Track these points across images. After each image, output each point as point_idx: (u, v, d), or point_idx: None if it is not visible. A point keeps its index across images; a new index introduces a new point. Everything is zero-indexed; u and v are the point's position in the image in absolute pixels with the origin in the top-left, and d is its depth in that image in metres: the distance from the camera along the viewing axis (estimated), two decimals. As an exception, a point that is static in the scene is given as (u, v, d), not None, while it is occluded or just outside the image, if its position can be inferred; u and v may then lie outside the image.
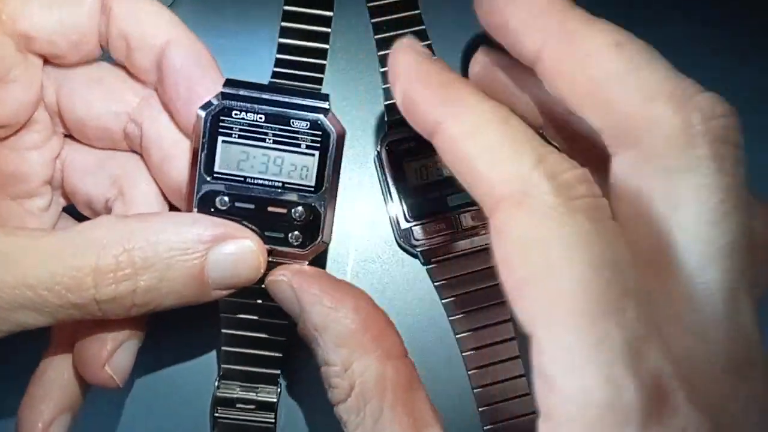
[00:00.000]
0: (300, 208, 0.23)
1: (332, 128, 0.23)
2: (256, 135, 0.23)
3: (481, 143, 0.17)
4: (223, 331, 0.26)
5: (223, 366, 0.27)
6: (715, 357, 0.16)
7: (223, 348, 0.27)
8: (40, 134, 0.24)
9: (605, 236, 0.16)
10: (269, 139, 0.23)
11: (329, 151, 0.23)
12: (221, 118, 0.23)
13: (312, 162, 0.23)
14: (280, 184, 0.23)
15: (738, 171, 0.17)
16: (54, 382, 0.24)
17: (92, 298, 0.20)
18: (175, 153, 0.24)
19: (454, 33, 0.33)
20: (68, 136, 0.26)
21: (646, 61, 0.18)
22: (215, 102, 0.23)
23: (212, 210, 0.23)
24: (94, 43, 0.24)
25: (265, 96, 0.23)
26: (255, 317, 0.26)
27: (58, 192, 0.26)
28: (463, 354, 0.30)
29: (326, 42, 0.30)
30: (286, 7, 0.30)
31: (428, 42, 0.32)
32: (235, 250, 0.22)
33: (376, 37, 0.32)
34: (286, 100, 0.23)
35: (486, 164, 0.17)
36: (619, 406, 0.15)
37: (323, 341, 0.22)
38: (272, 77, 0.30)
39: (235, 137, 0.23)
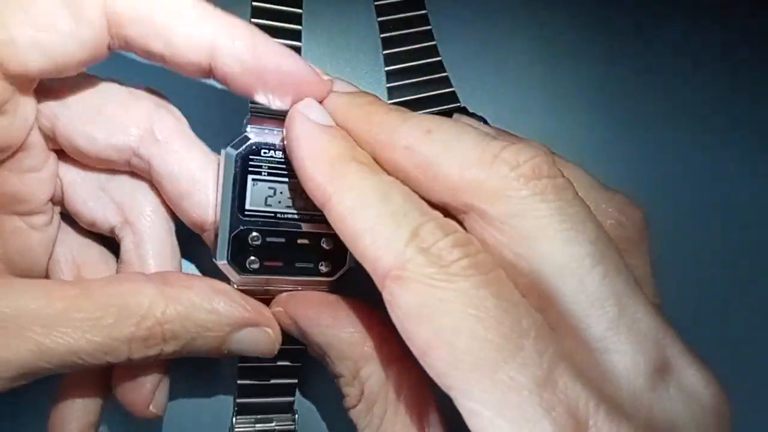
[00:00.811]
0: (327, 238, 0.24)
1: None
2: (283, 171, 0.23)
3: (362, 222, 0.19)
4: (239, 364, 0.27)
5: (238, 401, 0.28)
6: (630, 369, 0.17)
7: (238, 381, 0.27)
8: (38, 157, 0.23)
9: (486, 287, 0.17)
10: (295, 174, 0.23)
11: None
12: (251, 157, 0.23)
13: None
14: (308, 217, 0.24)
15: (563, 194, 0.19)
16: (75, 405, 0.25)
17: (126, 358, 0.22)
18: (194, 190, 0.24)
19: (460, 33, 0.33)
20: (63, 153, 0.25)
21: (455, 137, 0.20)
22: (245, 141, 0.23)
23: (248, 248, 0.24)
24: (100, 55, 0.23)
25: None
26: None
27: (59, 207, 0.26)
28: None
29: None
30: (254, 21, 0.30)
31: (433, 42, 0.32)
32: (256, 334, 0.24)
33: (382, 35, 0.32)
34: None
35: (367, 242, 0.19)
36: None
37: (330, 357, 0.23)
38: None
39: (264, 175, 0.23)
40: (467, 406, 0.16)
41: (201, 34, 0.21)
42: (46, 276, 0.26)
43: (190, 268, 0.30)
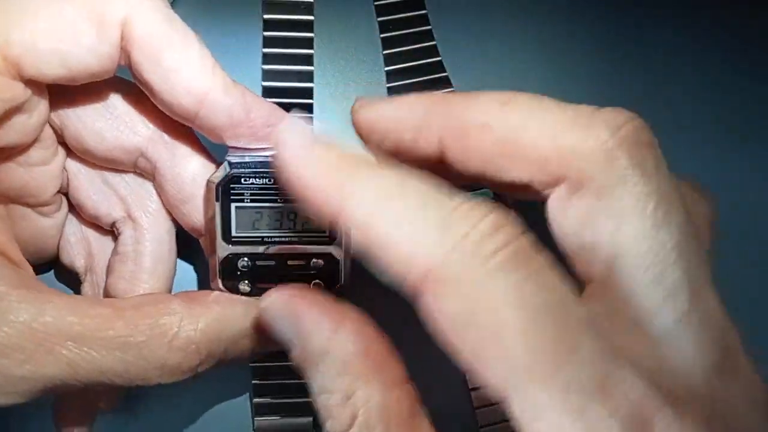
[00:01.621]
0: (318, 259, 0.24)
1: None
2: (267, 196, 0.23)
3: (387, 223, 0.17)
4: (254, 381, 0.28)
5: (256, 419, 0.28)
6: (692, 360, 0.16)
7: (255, 400, 0.28)
8: (47, 151, 0.24)
9: (533, 281, 0.16)
10: (280, 198, 0.23)
11: None
12: (232, 185, 0.23)
13: None
14: (297, 238, 0.24)
15: (660, 169, 0.18)
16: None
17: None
18: (197, 193, 0.24)
19: (460, 33, 0.33)
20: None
21: (536, 105, 0.19)
22: (224, 171, 0.23)
23: (237, 273, 0.24)
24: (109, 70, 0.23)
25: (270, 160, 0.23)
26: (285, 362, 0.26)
27: (66, 196, 0.27)
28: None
29: (311, 64, 0.30)
30: (267, 33, 0.30)
31: (433, 42, 0.32)
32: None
33: (381, 36, 0.32)
34: None
35: (397, 245, 0.16)
36: None
37: (324, 367, 0.20)
38: None
39: (247, 201, 0.23)
40: (526, 413, 0.15)
41: (199, 84, 0.22)
42: (57, 255, 0.27)
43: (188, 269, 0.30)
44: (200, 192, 0.24)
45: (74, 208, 0.27)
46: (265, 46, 0.30)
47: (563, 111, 0.18)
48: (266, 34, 0.30)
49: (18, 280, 0.21)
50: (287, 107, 0.25)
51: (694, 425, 0.15)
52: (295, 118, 0.20)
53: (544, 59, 0.34)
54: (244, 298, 0.24)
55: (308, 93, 0.30)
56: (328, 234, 0.24)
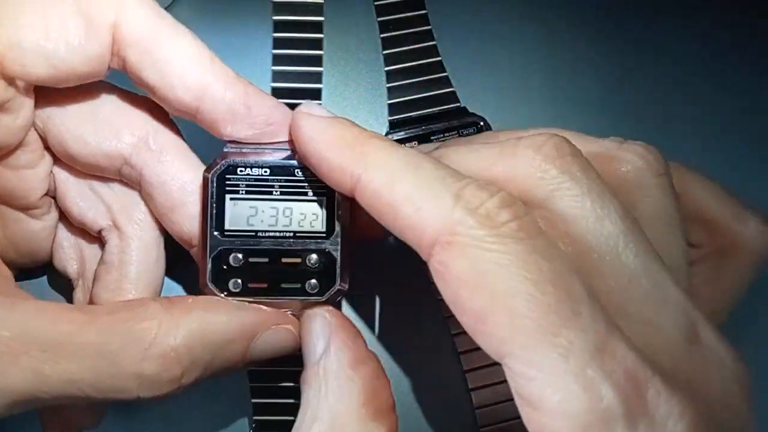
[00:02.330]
0: (314, 255, 0.23)
1: None
2: (262, 189, 0.23)
3: (401, 192, 0.18)
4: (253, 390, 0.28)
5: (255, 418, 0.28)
6: (665, 337, 0.18)
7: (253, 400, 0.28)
8: (33, 154, 0.23)
9: (539, 252, 0.17)
10: (276, 191, 0.23)
11: (336, 195, 0.23)
12: (227, 176, 0.23)
13: (320, 208, 0.23)
14: (291, 234, 0.23)
15: (587, 172, 0.19)
16: None
17: (136, 396, 0.20)
18: (186, 202, 0.24)
19: (460, 33, 0.33)
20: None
21: (462, 148, 0.21)
22: (220, 161, 0.23)
23: (228, 270, 0.23)
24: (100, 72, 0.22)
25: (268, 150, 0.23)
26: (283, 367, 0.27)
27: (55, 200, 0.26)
28: (460, 354, 0.30)
29: (320, 65, 0.31)
30: (276, 35, 0.31)
31: (433, 42, 0.32)
32: (278, 334, 0.23)
33: (381, 35, 0.32)
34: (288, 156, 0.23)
35: (409, 212, 0.18)
36: (601, 409, 0.15)
37: (326, 390, 0.21)
38: None
39: (242, 194, 0.23)
40: (525, 373, 0.16)
41: (196, 76, 0.21)
42: (51, 258, 0.27)
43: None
44: (190, 199, 0.24)
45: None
46: (275, 48, 0.30)
47: (491, 148, 0.20)
48: (276, 35, 0.31)
49: None
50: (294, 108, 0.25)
51: (680, 393, 0.16)
52: (308, 102, 0.22)
53: (544, 58, 0.34)
54: (227, 300, 0.23)
55: (317, 94, 0.30)
56: (325, 230, 0.23)
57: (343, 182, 0.20)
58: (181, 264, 0.27)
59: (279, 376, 0.28)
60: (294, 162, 0.23)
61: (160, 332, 0.20)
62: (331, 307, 0.23)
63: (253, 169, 0.23)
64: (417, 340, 0.31)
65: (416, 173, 0.18)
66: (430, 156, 0.20)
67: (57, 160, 0.25)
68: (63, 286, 0.28)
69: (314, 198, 0.23)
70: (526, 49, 0.34)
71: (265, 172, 0.23)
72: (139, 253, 0.25)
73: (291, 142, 0.23)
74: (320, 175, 0.21)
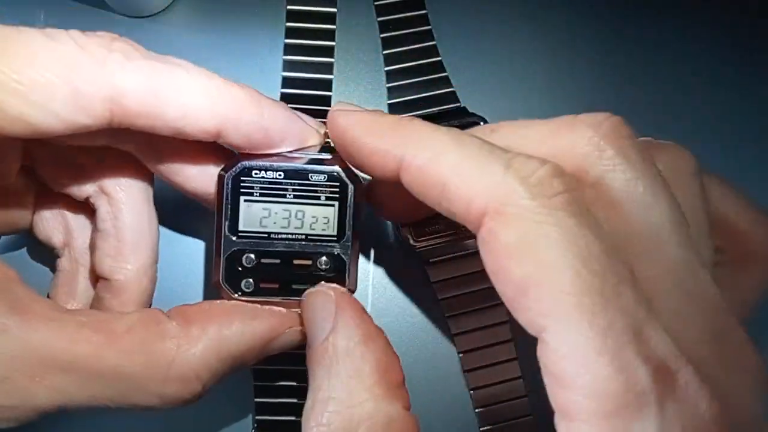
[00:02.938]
0: (324, 258, 0.24)
1: (349, 179, 0.24)
2: (276, 192, 0.23)
3: (447, 165, 0.18)
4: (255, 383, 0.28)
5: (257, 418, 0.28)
6: (695, 331, 0.18)
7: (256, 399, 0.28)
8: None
9: (588, 228, 0.17)
10: (289, 195, 0.23)
11: (348, 200, 0.24)
12: (242, 178, 0.23)
13: (332, 212, 0.24)
14: (303, 237, 0.24)
15: (643, 157, 0.19)
16: None
17: (160, 409, 0.21)
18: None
19: (460, 33, 0.33)
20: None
21: (522, 124, 0.21)
22: (236, 163, 0.23)
23: (241, 269, 0.23)
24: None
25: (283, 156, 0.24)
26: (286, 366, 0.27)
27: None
28: (460, 354, 0.30)
29: (330, 72, 0.31)
30: (288, 41, 0.31)
31: (433, 42, 0.32)
32: (288, 336, 0.23)
33: (381, 35, 0.32)
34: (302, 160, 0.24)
35: (458, 184, 0.18)
36: (635, 391, 0.15)
37: (337, 369, 0.20)
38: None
39: (256, 196, 0.23)
40: (559, 349, 0.16)
41: (210, 121, 0.21)
42: (31, 227, 0.27)
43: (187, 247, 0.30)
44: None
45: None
46: (285, 54, 0.31)
47: (547, 123, 0.20)
48: (288, 41, 0.31)
49: (3, 300, 0.20)
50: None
51: (707, 385, 0.16)
52: (344, 102, 0.22)
53: (543, 58, 0.34)
54: (241, 306, 0.23)
55: (326, 100, 0.31)
56: (336, 234, 0.24)
57: (385, 166, 0.20)
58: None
59: (282, 374, 0.28)
60: (308, 166, 0.23)
61: (178, 354, 0.21)
62: (333, 284, 0.23)
63: (268, 172, 0.23)
64: (417, 340, 0.31)
65: (461, 147, 0.18)
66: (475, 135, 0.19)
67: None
68: (44, 255, 0.28)
69: (327, 203, 0.23)
70: (526, 48, 0.34)
71: (280, 175, 0.23)
72: (132, 217, 0.24)
73: (303, 149, 0.23)
74: (360, 164, 0.21)
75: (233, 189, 0.23)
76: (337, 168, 0.23)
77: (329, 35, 0.31)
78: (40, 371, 0.19)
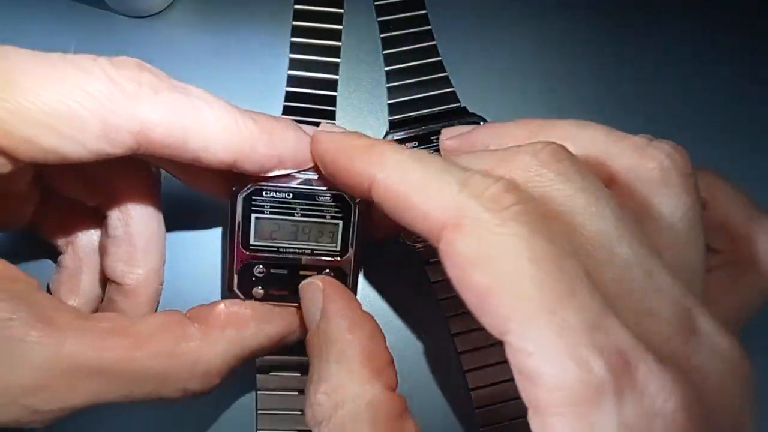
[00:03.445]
0: (328, 270, 0.26)
1: (352, 200, 0.25)
2: (285, 210, 0.25)
3: (410, 184, 0.20)
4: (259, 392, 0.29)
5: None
6: (661, 326, 0.18)
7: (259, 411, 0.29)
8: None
9: (541, 234, 0.18)
10: (297, 213, 0.25)
11: (351, 219, 0.25)
12: (253, 197, 0.25)
13: (337, 229, 0.25)
14: (310, 251, 0.25)
15: (585, 174, 0.20)
16: None
17: (181, 400, 0.23)
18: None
19: (460, 33, 0.33)
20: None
21: (588, 127, 0.23)
22: (247, 184, 0.25)
23: (252, 278, 0.25)
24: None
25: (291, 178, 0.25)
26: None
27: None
28: (460, 354, 0.30)
29: (336, 73, 0.31)
30: (294, 39, 0.31)
31: (433, 42, 0.32)
32: (295, 336, 0.26)
33: (381, 35, 0.32)
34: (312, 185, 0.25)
35: (418, 201, 0.19)
36: (592, 382, 0.16)
37: (326, 354, 0.22)
38: (283, 112, 0.30)
39: (266, 213, 0.25)
40: (523, 349, 0.17)
41: (227, 153, 0.22)
42: (33, 224, 0.27)
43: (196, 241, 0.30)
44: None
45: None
46: (291, 52, 0.31)
47: (493, 153, 0.21)
48: (294, 39, 0.31)
49: (32, 313, 0.20)
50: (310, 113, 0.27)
51: (672, 373, 0.17)
52: (327, 123, 0.24)
53: (543, 58, 0.34)
54: (255, 309, 0.25)
55: (331, 101, 0.31)
56: (340, 250, 0.26)
57: (360, 185, 0.21)
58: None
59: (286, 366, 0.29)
60: (315, 187, 0.25)
61: (201, 356, 0.23)
62: (324, 276, 0.25)
63: (278, 193, 0.25)
64: (416, 340, 0.31)
65: (425, 168, 0.20)
66: (434, 155, 0.21)
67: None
68: (38, 245, 0.28)
69: (331, 221, 0.25)
70: (525, 48, 0.34)
71: (288, 195, 0.25)
72: (142, 223, 0.26)
73: (314, 166, 0.25)
74: (339, 183, 0.23)
75: (245, 207, 0.25)
76: (340, 191, 0.25)
77: (336, 35, 0.31)
78: (74, 378, 0.20)
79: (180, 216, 0.30)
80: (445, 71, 0.32)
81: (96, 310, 0.27)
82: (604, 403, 0.16)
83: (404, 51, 0.32)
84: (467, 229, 0.18)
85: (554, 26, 0.34)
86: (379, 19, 0.32)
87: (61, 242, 0.27)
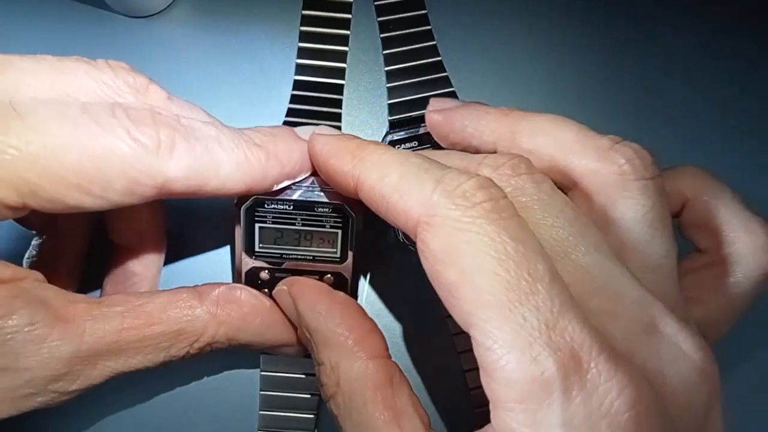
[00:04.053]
0: (329, 275, 0.27)
1: (352, 211, 0.26)
2: (286, 220, 0.26)
3: (390, 183, 0.21)
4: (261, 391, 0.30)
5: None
6: (621, 327, 0.19)
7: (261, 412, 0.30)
8: None
9: (508, 232, 0.18)
10: (298, 223, 0.26)
11: (350, 229, 0.27)
12: (256, 208, 0.26)
13: (336, 237, 0.27)
14: (311, 257, 0.27)
15: (541, 186, 0.22)
16: None
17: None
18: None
19: (460, 33, 0.33)
20: None
21: (560, 126, 0.24)
22: (250, 197, 0.26)
23: (258, 283, 0.27)
24: None
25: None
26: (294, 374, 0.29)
27: None
28: (461, 354, 0.30)
29: (342, 77, 0.32)
30: (302, 44, 0.32)
31: (433, 42, 0.32)
32: (288, 350, 0.27)
33: (381, 35, 0.32)
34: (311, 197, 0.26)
35: (397, 199, 0.20)
36: (542, 378, 0.17)
37: (314, 342, 0.24)
38: (287, 115, 0.31)
39: (269, 222, 0.26)
40: (484, 343, 0.18)
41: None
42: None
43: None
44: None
45: None
46: (299, 58, 0.31)
47: (461, 159, 0.23)
48: (301, 45, 0.31)
49: (49, 314, 0.22)
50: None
51: (624, 372, 0.17)
52: (324, 126, 0.26)
53: (544, 58, 0.34)
54: (263, 314, 0.26)
55: (338, 104, 0.31)
56: (339, 256, 0.27)
57: (347, 184, 0.23)
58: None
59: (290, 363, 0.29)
60: (314, 200, 0.26)
61: (205, 333, 0.24)
62: (288, 278, 0.27)
63: (279, 204, 0.26)
64: (416, 340, 0.31)
65: (403, 167, 0.21)
66: (417, 155, 0.22)
67: None
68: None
69: (331, 230, 0.26)
70: (526, 48, 0.34)
71: (289, 206, 0.26)
72: (146, 264, 0.27)
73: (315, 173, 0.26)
74: (329, 182, 0.24)
75: (248, 217, 0.26)
76: (338, 202, 0.26)
77: (343, 41, 0.32)
78: (95, 360, 0.22)
79: (191, 217, 0.30)
80: (445, 71, 0.32)
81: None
82: (552, 401, 0.17)
83: (404, 51, 0.32)
84: (437, 226, 0.19)
85: (555, 26, 0.34)
86: (379, 19, 0.32)
87: (39, 228, 0.27)
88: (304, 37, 0.32)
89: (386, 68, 0.32)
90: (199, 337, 0.24)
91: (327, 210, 0.26)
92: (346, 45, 0.32)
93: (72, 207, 0.21)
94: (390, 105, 0.31)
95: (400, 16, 0.32)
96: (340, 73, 0.31)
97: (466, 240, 0.18)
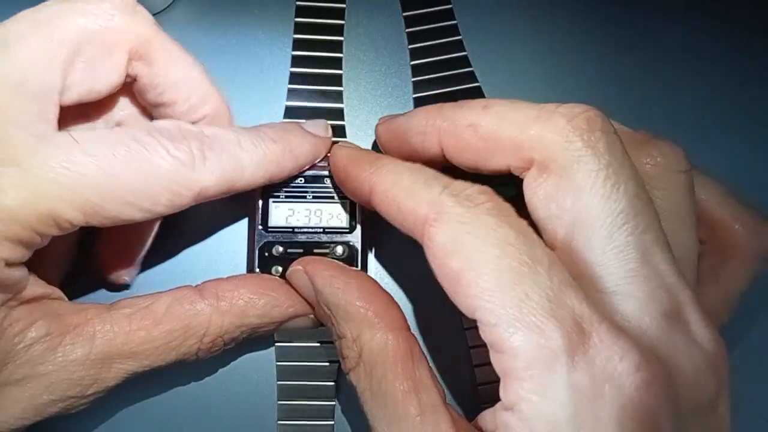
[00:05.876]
0: (339, 247, 0.28)
1: None
2: (298, 194, 0.28)
3: (402, 187, 0.22)
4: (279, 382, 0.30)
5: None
6: (639, 309, 0.20)
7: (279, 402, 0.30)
8: None
9: (509, 224, 0.20)
10: (309, 196, 0.28)
11: None
12: (270, 186, 0.27)
13: (344, 208, 0.28)
14: (321, 230, 0.28)
15: (612, 149, 0.21)
16: None
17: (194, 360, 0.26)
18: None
19: (490, 44, 0.30)
20: None
21: (510, 105, 0.22)
22: None
23: (271, 258, 0.28)
24: None
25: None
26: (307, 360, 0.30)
27: None
28: (471, 349, 0.30)
29: (339, 67, 0.31)
30: (297, 36, 0.31)
31: (464, 53, 0.29)
32: (300, 321, 0.27)
33: (410, 47, 0.29)
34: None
35: (408, 201, 0.22)
36: (547, 346, 0.18)
37: (335, 317, 0.25)
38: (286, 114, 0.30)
39: (282, 198, 0.28)
40: (489, 321, 0.19)
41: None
42: None
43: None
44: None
45: None
46: (293, 66, 0.30)
47: (531, 108, 0.22)
48: (294, 53, 0.31)
49: (63, 324, 0.23)
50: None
51: (626, 342, 0.18)
52: (345, 141, 0.28)
53: (574, 68, 0.32)
54: (267, 292, 0.26)
55: (339, 113, 0.30)
56: (348, 227, 0.28)
57: (362, 189, 0.24)
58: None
59: (305, 353, 0.30)
60: (323, 172, 0.28)
61: (210, 327, 0.25)
62: (301, 258, 0.27)
63: (291, 180, 0.28)
64: (426, 335, 0.31)
65: (415, 175, 0.22)
66: (425, 168, 0.23)
67: None
68: None
69: (339, 201, 0.28)
70: (555, 58, 0.32)
71: (301, 180, 0.28)
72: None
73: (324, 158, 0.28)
74: (344, 187, 0.26)
75: (263, 194, 0.28)
76: None
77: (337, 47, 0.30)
78: (108, 362, 0.23)
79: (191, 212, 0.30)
80: (477, 81, 0.30)
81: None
82: (558, 367, 0.18)
83: (432, 62, 0.30)
84: (443, 222, 0.20)
85: (583, 35, 0.32)
86: (408, 30, 0.29)
87: None
88: (297, 45, 0.31)
89: (412, 63, 0.30)
90: (206, 331, 0.25)
91: (335, 181, 0.27)
92: (341, 51, 0.30)
93: (124, 221, 0.22)
94: (415, 99, 0.30)
95: (430, 26, 0.29)
96: (336, 80, 0.30)
97: (470, 231, 0.20)
